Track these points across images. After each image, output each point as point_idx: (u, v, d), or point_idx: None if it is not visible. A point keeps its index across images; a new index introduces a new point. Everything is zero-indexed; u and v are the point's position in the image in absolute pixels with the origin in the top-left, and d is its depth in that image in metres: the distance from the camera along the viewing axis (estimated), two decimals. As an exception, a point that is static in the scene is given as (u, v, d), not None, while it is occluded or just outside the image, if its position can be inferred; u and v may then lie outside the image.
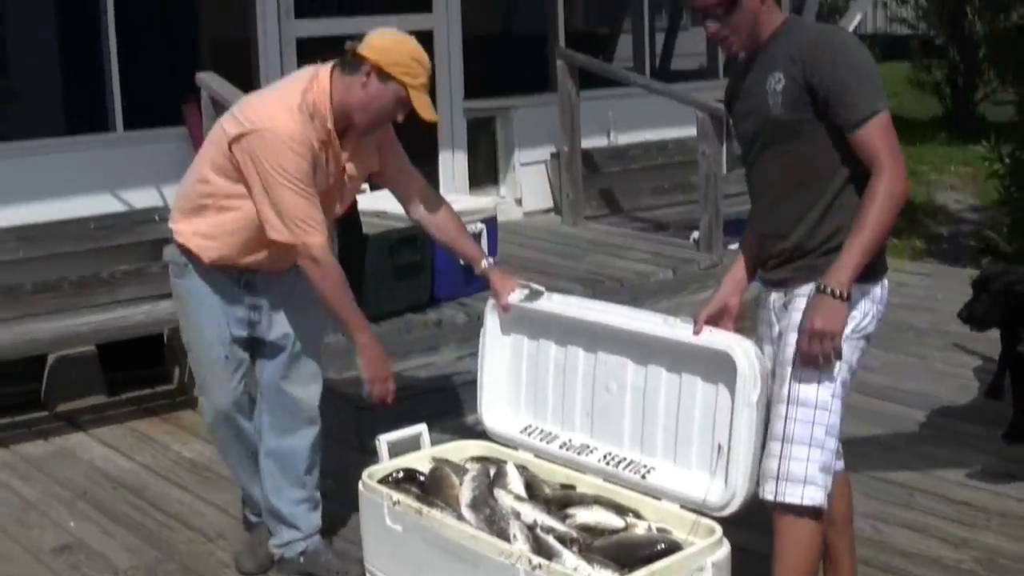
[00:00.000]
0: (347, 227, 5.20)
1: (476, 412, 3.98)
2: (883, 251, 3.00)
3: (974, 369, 5.93)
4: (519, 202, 7.90)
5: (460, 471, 3.72)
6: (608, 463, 3.65)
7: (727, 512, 3.29)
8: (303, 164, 3.45)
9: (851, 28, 8.56)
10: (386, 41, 3.55)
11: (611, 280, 6.32)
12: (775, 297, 3.16)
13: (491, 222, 6.05)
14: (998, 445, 4.96)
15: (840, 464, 3.26)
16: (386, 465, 3.69)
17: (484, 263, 3.88)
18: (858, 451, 4.81)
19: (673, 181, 8.19)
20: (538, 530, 3.37)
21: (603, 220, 7.91)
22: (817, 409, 2.93)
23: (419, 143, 7.28)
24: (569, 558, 3.23)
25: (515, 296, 3.82)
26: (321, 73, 3.57)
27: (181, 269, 3.75)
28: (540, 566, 3.10)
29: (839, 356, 2.94)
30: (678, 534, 3.35)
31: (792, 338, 3.00)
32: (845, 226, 2.93)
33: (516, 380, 3.93)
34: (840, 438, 3.09)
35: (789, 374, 2.98)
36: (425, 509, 3.41)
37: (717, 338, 3.33)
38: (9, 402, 5.56)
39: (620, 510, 3.51)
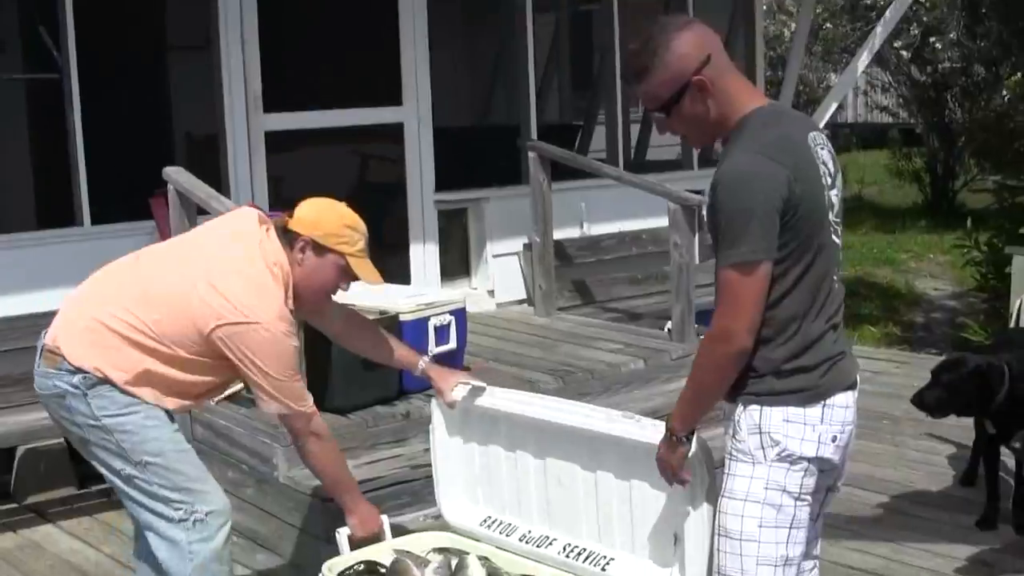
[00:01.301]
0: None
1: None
2: (830, 370, 2.88)
3: (948, 457, 5.97)
4: (491, 294, 7.93)
5: (421, 563, 3.71)
6: (568, 555, 3.68)
7: None
8: (296, 347, 3.45)
9: (826, 117, 8.71)
10: (315, 212, 3.54)
11: (583, 371, 6.36)
12: None
13: (460, 313, 6.10)
14: (972, 533, 4.99)
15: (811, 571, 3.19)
16: (346, 558, 3.69)
17: (421, 363, 3.93)
18: (830, 537, 4.84)
19: (646, 271, 8.23)
20: None
21: (576, 311, 7.94)
22: (743, 541, 2.89)
23: (390, 235, 7.53)
24: None
25: (458, 392, 3.85)
26: (265, 237, 3.51)
27: (113, 391, 3.47)
28: None
29: (683, 482, 3.04)
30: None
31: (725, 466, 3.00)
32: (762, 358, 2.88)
33: (470, 473, 3.99)
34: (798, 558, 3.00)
35: (717, 505, 3.00)
36: None
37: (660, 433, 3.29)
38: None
39: None
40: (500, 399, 3.88)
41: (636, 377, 6.43)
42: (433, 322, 5.95)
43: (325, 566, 3.60)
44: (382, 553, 3.75)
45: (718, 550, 2.96)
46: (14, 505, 5.45)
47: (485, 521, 3.91)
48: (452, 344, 6.03)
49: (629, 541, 3.56)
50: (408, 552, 3.83)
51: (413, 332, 5.81)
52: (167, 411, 3.60)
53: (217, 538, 3.53)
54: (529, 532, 3.80)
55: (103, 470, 3.57)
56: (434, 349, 5.88)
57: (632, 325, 7.63)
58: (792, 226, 2.75)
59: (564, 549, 3.70)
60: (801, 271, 2.81)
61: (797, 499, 2.90)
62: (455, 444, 3.99)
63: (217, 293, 3.37)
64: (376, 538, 3.76)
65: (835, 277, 2.93)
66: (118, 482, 3.55)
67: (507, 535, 3.84)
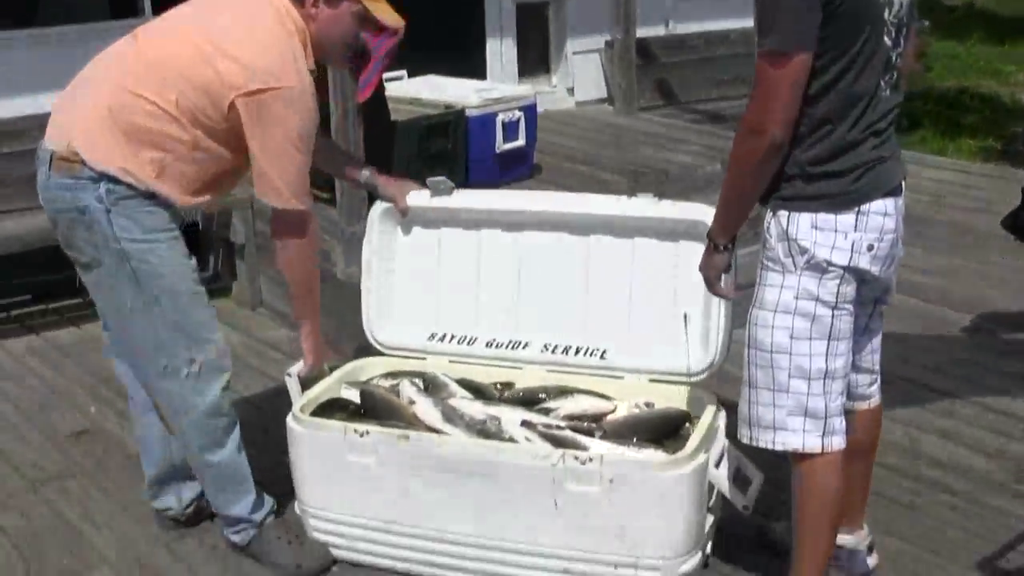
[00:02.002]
0: (372, 115, 4.97)
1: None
2: (865, 175, 2.65)
3: (1033, 279, 5.60)
4: (571, 92, 7.57)
5: (391, 391, 3.50)
6: (552, 352, 3.52)
7: (704, 376, 3.34)
8: (317, 118, 3.12)
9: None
10: None
11: (657, 172, 6.04)
12: None
13: (530, 109, 5.78)
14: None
15: (872, 396, 3.06)
16: (305, 399, 3.38)
17: (362, 173, 3.58)
18: (899, 355, 4.59)
19: (733, 73, 7.81)
20: (539, 429, 3.25)
21: (657, 111, 7.56)
22: (774, 353, 2.72)
23: (466, 31, 7.21)
24: (608, 447, 3.11)
25: (416, 197, 3.61)
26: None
27: (139, 210, 3.11)
28: (590, 460, 2.96)
29: (724, 298, 2.91)
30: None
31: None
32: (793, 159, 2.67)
33: (412, 289, 3.69)
34: (844, 377, 2.83)
35: (748, 315, 2.80)
36: (413, 434, 3.16)
37: (681, 208, 3.33)
38: (42, 290, 5.50)
39: (594, 395, 3.43)
40: (473, 196, 3.63)
41: (713, 180, 6.08)
42: (501, 118, 5.64)
43: (294, 410, 3.31)
44: (330, 390, 3.50)
45: (749, 362, 2.80)
46: (78, 300, 5.16)
47: (432, 337, 3.66)
48: (520, 141, 5.74)
49: (624, 329, 3.44)
50: (367, 383, 3.60)
51: (480, 128, 5.55)
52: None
53: (212, 391, 3.22)
54: (494, 339, 3.59)
55: (104, 304, 3.22)
56: (501, 146, 5.63)
57: (714, 127, 7.24)
58: (835, 18, 2.50)
59: (545, 348, 3.53)
60: (841, 69, 2.56)
61: (834, 308, 2.69)
62: (396, 256, 3.70)
63: (235, 60, 2.99)
64: (319, 376, 3.50)
65: (884, 82, 2.65)
66: (118, 319, 3.20)
67: (467, 345, 3.61)
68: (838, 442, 2.78)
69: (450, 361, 3.61)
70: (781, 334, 2.72)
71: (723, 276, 2.80)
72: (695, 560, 3.09)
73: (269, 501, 3.46)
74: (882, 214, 2.67)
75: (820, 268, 2.66)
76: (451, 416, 3.29)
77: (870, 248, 2.67)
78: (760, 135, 2.55)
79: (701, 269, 2.82)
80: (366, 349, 3.83)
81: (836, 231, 2.64)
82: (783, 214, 2.68)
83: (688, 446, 3.01)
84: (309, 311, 3.34)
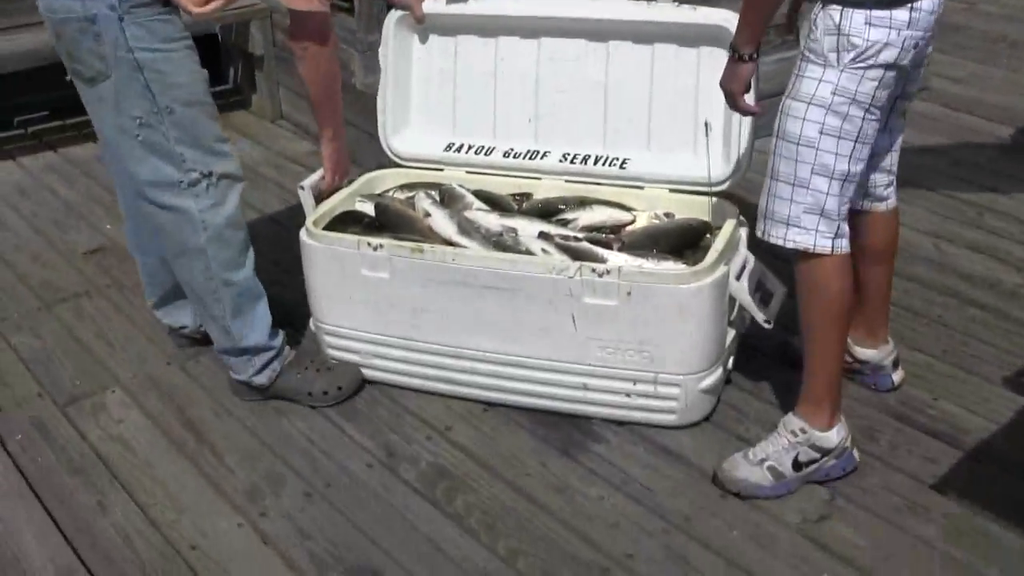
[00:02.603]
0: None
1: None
2: None
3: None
4: None
5: (406, 204, 3.38)
6: (571, 162, 3.39)
7: (726, 185, 3.21)
8: None
9: None
10: None
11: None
12: None
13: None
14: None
15: (889, 197, 2.95)
16: (319, 212, 3.25)
17: None
18: (928, 165, 4.43)
19: None
20: (557, 240, 3.12)
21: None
22: (800, 146, 2.57)
23: None
24: (627, 259, 3.00)
25: (432, 3, 3.40)
26: None
27: (152, 19, 2.86)
28: (608, 272, 2.85)
29: (747, 113, 2.75)
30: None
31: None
32: None
33: (430, 96, 3.54)
34: (856, 179, 2.69)
35: (781, 105, 2.64)
36: (427, 246, 3.03)
37: (703, 12, 3.17)
38: (60, 104, 5.29)
39: (614, 205, 3.31)
40: (484, 3, 3.41)
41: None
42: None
43: (308, 221, 3.19)
44: (346, 203, 3.37)
45: (774, 153, 2.65)
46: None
47: (450, 148, 3.53)
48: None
49: (645, 138, 3.32)
50: (382, 195, 3.46)
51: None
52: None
53: (229, 201, 3.04)
54: (512, 149, 3.46)
55: (108, 123, 2.96)
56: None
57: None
58: None
59: (564, 158, 3.40)
60: None
61: (867, 111, 2.56)
62: (413, 63, 3.54)
63: None
64: (335, 190, 3.37)
65: None
66: (126, 137, 2.93)
67: (485, 155, 3.48)
68: (845, 245, 2.69)
69: (467, 172, 3.48)
70: (811, 128, 2.57)
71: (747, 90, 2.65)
72: (716, 375, 3.00)
73: (281, 332, 3.30)
74: (930, 12, 2.52)
75: (864, 66, 2.50)
76: (467, 228, 3.18)
77: (915, 46, 2.52)
78: None
79: (723, 83, 2.67)
80: (383, 162, 3.67)
81: (890, 28, 2.47)
82: (835, 8, 2.49)
83: (708, 258, 2.88)
84: (330, 120, 3.18)
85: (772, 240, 2.69)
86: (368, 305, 3.14)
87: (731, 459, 2.89)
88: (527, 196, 3.45)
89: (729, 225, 3.05)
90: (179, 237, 3.04)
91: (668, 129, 3.30)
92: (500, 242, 3.12)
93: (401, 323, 3.13)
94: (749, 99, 2.69)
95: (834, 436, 2.83)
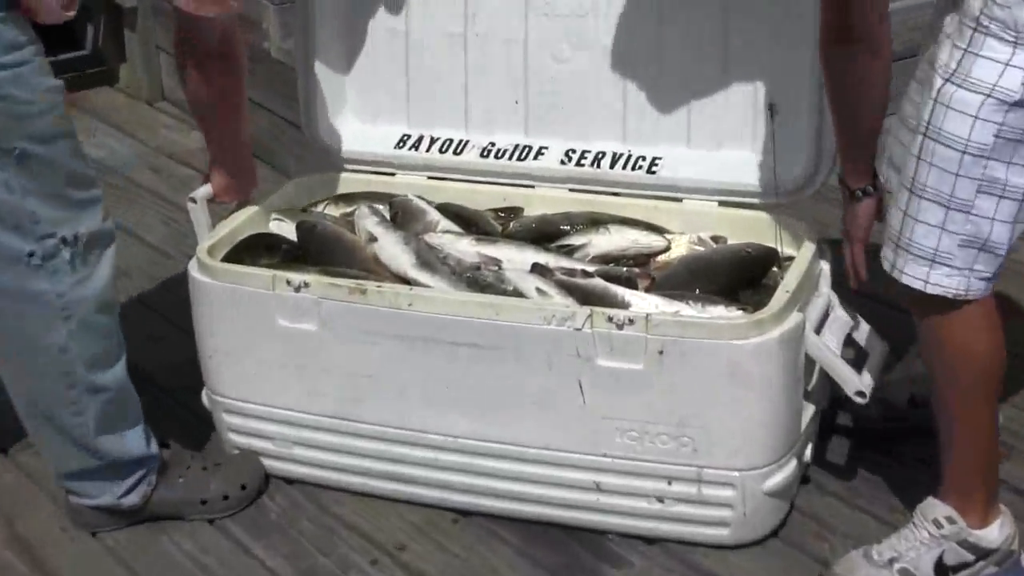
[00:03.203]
0: None
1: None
2: None
3: None
4: None
5: (343, 223, 3.40)
6: (578, 163, 3.45)
7: (798, 197, 3.25)
8: None
9: None
10: None
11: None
12: None
13: None
14: None
15: None
16: (216, 236, 3.25)
17: None
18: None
19: None
20: (558, 276, 3.14)
21: None
22: (966, 155, 2.56)
23: None
24: (658, 303, 3.01)
25: None
26: None
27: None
28: (630, 322, 2.83)
29: (858, 274, 2.92)
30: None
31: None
32: None
33: (374, 69, 3.59)
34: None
35: (934, 88, 2.63)
36: (372, 285, 3.02)
37: None
38: None
39: (639, 225, 3.35)
40: None
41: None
42: None
43: (200, 248, 3.20)
44: (256, 223, 3.41)
45: (918, 157, 2.62)
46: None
47: (404, 143, 3.57)
48: None
49: (683, 128, 3.37)
50: (307, 211, 3.48)
51: None
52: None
53: (100, 273, 2.96)
54: (493, 145, 3.51)
55: None
56: None
57: None
58: None
59: (567, 158, 3.46)
60: None
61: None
62: (350, 22, 3.59)
63: None
64: (241, 205, 3.42)
65: None
66: None
67: (454, 154, 3.52)
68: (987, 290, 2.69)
69: (429, 178, 3.53)
70: (985, 131, 2.52)
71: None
72: (788, 471, 2.98)
73: (153, 437, 3.21)
74: None
75: (1003, 98, 2.51)
76: (429, 259, 3.17)
77: None
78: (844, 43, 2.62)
79: (846, 226, 2.87)
80: (309, 164, 3.72)
81: None
82: None
83: (775, 301, 2.86)
84: (226, 118, 3.22)
85: (906, 280, 2.68)
86: (286, 369, 3.13)
87: (846, 559, 2.88)
88: (515, 212, 3.47)
89: (805, 253, 3.06)
90: (22, 335, 2.94)
91: (716, 115, 3.32)
92: (476, 279, 3.12)
93: (334, 396, 3.12)
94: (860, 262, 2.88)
95: (995, 534, 2.81)
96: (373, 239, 3.25)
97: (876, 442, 3.33)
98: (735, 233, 3.30)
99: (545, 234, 3.34)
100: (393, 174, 3.55)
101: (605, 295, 3.03)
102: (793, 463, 3.00)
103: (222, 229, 3.29)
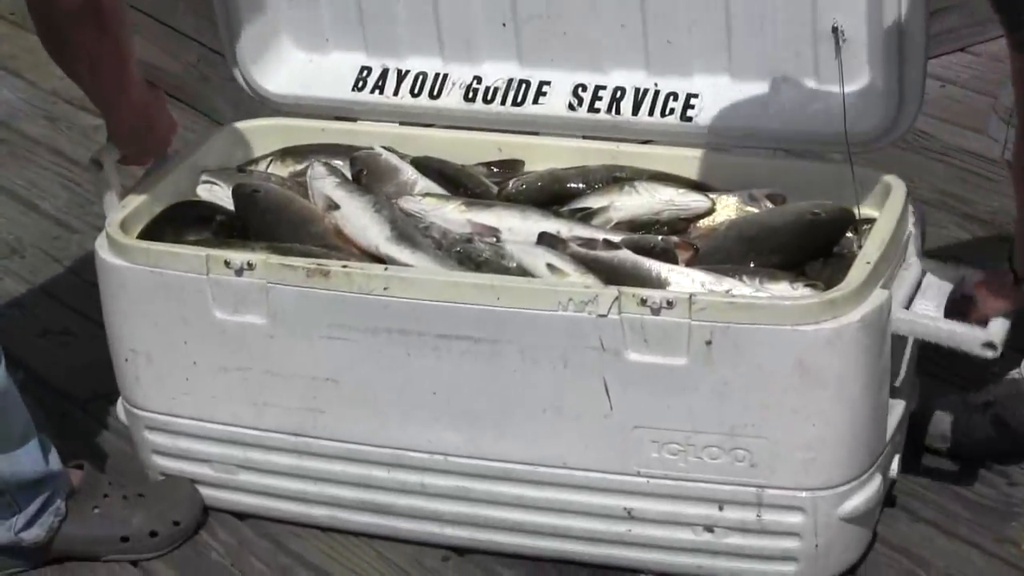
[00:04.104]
0: None
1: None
2: None
3: None
4: None
5: (292, 186, 3.36)
6: (593, 105, 3.39)
7: (886, 141, 3.19)
8: None
9: None
10: None
11: None
12: None
13: None
14: None
15: None
16: (130, 207, 3.21)
17: None
18: None
19: None
20: (573, 248, 3.09)
21: None
22: None
23: None
24: (704, 280, 2.95)
25: None
26: None
27: None
28: (669, 304, 2.76)
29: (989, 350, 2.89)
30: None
31: None
32: None
33: None
34: None
35: None
36: (336, 264, 2.96)
37: None
38: None
39: (675, 181, 3.30)
40: None
41: None
42: None
43: (108, 223, 3.16)
44: (179, 185, 3.37)
45: None
46: None
47: (363, 83, 3.55)
48: None
49: (724, 57, 3.30)
50: (245, 170, 3.43)
51: None
52: None
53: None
54: (480, 81, 3.48)
55: None
56: None
57: None
58: None
59: (576, 99, 3.41)
60: None
61: None
62: None
63: None
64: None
65: None
66: None
67: (430, 97, 3.50)
68: None
69: (401, 124, 3.50)
70: None
71: None
72: (870, 491, 2.93)
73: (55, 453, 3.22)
74: None
75: None
76: (406, 230, 3.12)
77: None
78: None
79: (992, 309, 2.95)
80: (245, 109, 3.68)
81: None
82: None
83: (853, 275, 2.79)
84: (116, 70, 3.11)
85: None
86: (227, 374, 3.08)
87: None
88: (514, 167, 3.43)
89: (889, 215, 3.00)
90: None
91: (767, 38, 3.25)
92: (469, 254, 3.09)
93: (290, 406, 3.07)
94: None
95: None
96: (334, 206, 3.21)
97: (981, 456, 3.34)
98: (797, 191, 3.26)
99: (555, 195, 3.32)
100: (354, 120, 3.55)
101: (636, 271, 2.99)
102: (877, 480, 2.95)
103: (136, 197, 3.24)
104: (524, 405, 2.92)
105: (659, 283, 2.93)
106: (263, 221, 3.22)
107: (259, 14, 3.52)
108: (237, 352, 3.04)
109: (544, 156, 3.41)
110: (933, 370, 3.33)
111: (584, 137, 3.41)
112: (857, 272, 2.82)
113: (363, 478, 3.09)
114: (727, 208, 3.24)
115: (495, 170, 3.40)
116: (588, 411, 2.88)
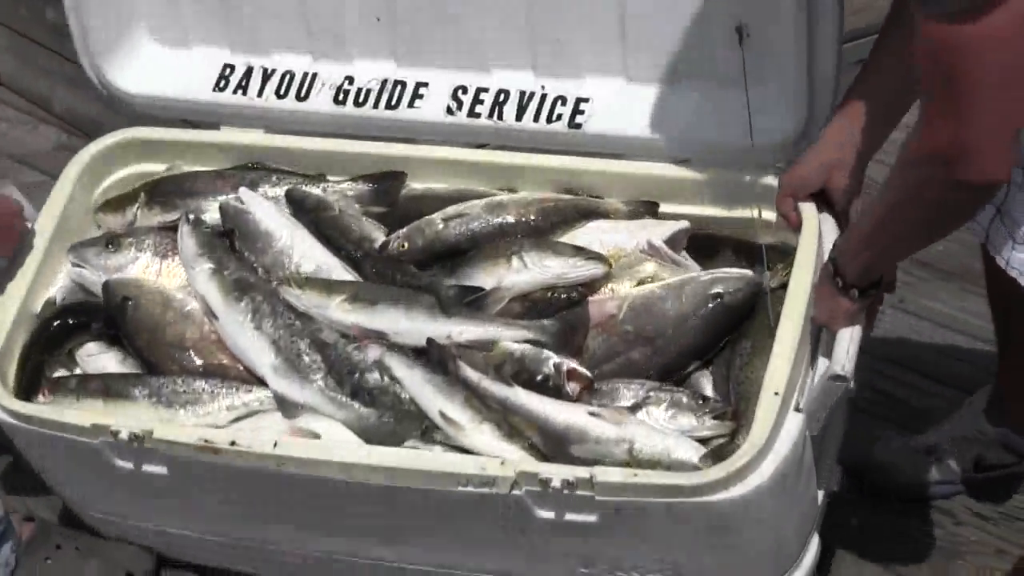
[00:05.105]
0: None
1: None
2: None
3: None
4: None
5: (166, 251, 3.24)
6: (473, 111, 3.32)
7: (798, 149, 3.06)
8: None
9: None
10: None
11: None
12: None
13: None
14: None
15: None
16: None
17: None
18: None
19: None
20: (465, 372, 3.03)
21: None
22: None
23: None
24: (604, 425, 2.88)
25: None
26: None
27: None
28: (570, 485, 2.73)
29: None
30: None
31: None
32: None
33: None
34: None
35: None
36: (225, 442, 2.87)
37: None
38: None
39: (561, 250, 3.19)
40: None
41: None
42: None
43: None
44: (46, 271, 3.25)
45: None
46: None
47: (225, 81, 3.45)
48: None
49: (618, 56, 3.23)
50: (115, 244, 3.22)
51: None
52: None
53: None
54: (350, 82, 3.41)
55: None
56: None
57: None
58: None
59: (455, 103, 3.33)
60: None
61: None
62: None
63: None
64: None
65: None
66: None
67: (298, 97, 3.41)
68: None
69: (266, 131, 3.39)
70: None
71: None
72: (806, 563, 2.99)
73: None
74: None
75: None
76: (291, 357, 3.09)
77: None
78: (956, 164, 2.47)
79: (818, 316, 2.87)
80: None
81: None
82: None
83: (759, 423, 2.70)
84: None
85: (1000, 262, 2.85)
86: (148, 499, 3.15)
87: None
88: (395, 182, 3.36)
89: (805, 263, 2.95)
90: None
91: (664, 38, 3.15)
92: (360, 391, 3.05)
93: (219, 517, 3.18)
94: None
95: None
96: (211, 314, 3.14)
97: (926, 498, 3.43)
98: (701, 200, 3.21)
99: (437, 255, 3.25)
100: (217, 127, 3.45)
101: (529, 413, 2.95)
102: (813, 546, 3.01)
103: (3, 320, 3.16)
104: (447, 534, 2.97)
105: (555, 426, 2.88)
106: (139, 339, 3.17)
107: (122, 15, 3.44)
108: (150, 489, 3.04)
109: (423, 169, 3.32)
110: (873, 409, 3.38)
111: (467, 146, 3.34)
112: (765, 414, 2.69)
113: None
114: (624, 268, 3.13)
115: (375, 186, 3.32)
116: (512, 544, 2.90)
